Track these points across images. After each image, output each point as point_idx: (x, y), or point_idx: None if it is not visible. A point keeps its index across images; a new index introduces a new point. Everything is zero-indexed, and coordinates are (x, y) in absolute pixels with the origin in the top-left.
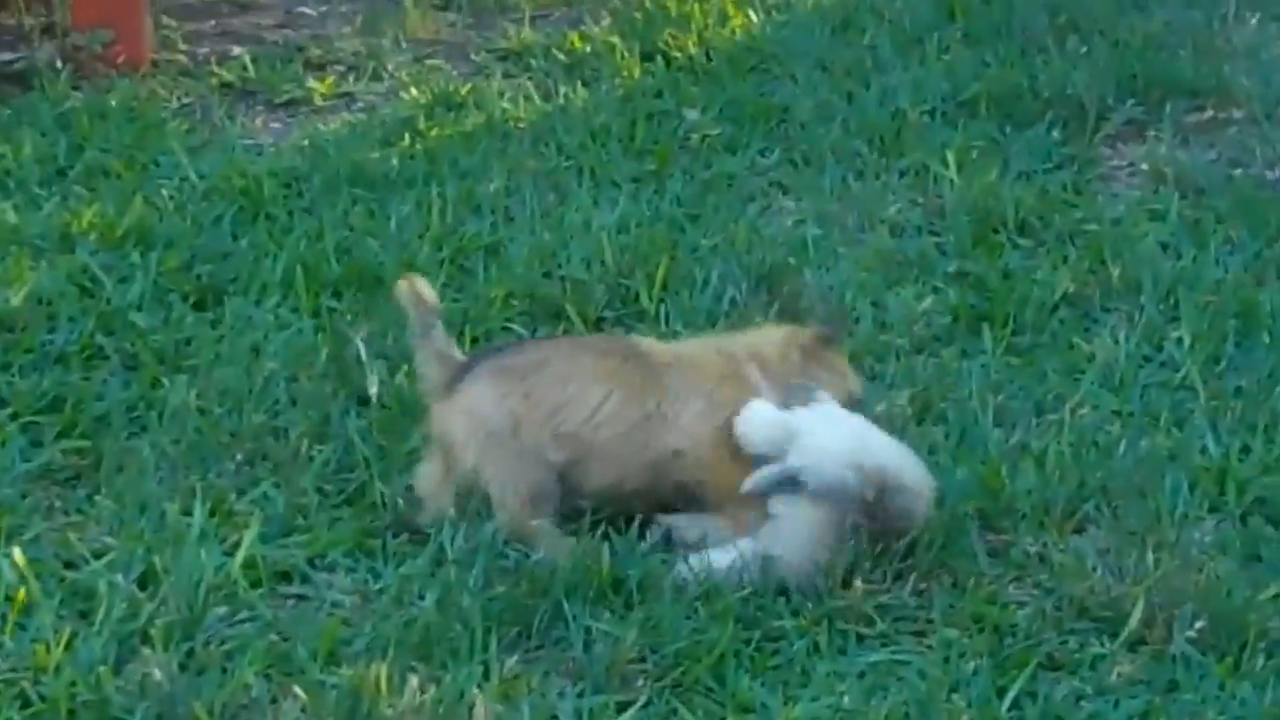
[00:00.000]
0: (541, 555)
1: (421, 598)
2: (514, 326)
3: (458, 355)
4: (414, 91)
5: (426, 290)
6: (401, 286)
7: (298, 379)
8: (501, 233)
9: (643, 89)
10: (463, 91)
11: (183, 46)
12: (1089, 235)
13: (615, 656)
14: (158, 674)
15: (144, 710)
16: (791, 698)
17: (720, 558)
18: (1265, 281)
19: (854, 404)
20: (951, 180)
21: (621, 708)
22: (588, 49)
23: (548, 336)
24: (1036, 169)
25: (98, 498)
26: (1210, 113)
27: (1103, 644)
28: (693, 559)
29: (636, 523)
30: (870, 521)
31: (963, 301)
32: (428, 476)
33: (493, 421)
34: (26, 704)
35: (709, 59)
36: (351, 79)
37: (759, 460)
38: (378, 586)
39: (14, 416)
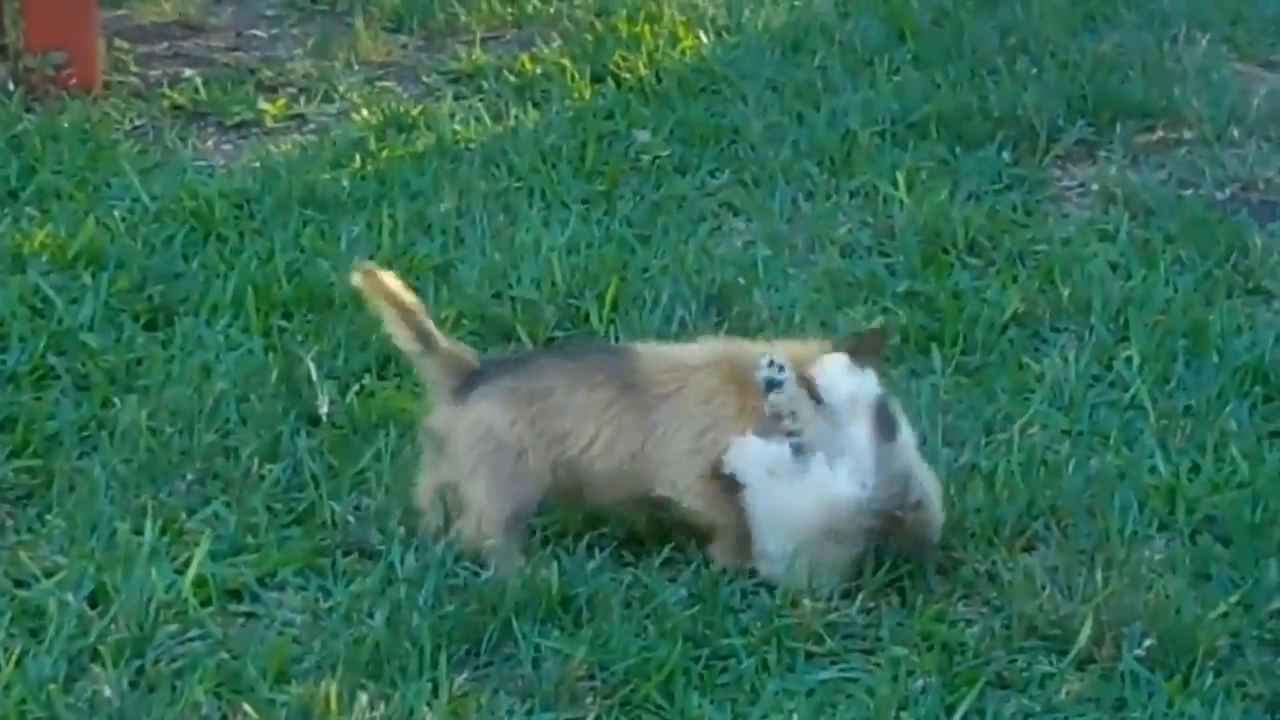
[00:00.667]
0: (492, 573)
1: (371, 616)
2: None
3: (469, 357)
4: (365, 113)
5: (392, 281)
6: (364, 280)
7: (248, 399)
8: (452, 253)
9: (593, 110)
10: (414, 113)
11: (135, 69)
12: (1039, 255)
13: (564, 674)
14: (108, 691)
15: None
16: (740, 715)
17: None
18: (1214, 301)
19: None
20: (901, 201)
21: None
22: (538, 70)
23: (557, 351)
24: (986, 189)
25: (48, 516)
26: (1160, 134)
27: (1052, 662)
28: None
29: (584, 542)
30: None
31: (912, 321)
32: (428, 489)
33: (501, 440)
34: None
35: (659, 80)
36: (303, 101)
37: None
38: (328, 605)
39: None
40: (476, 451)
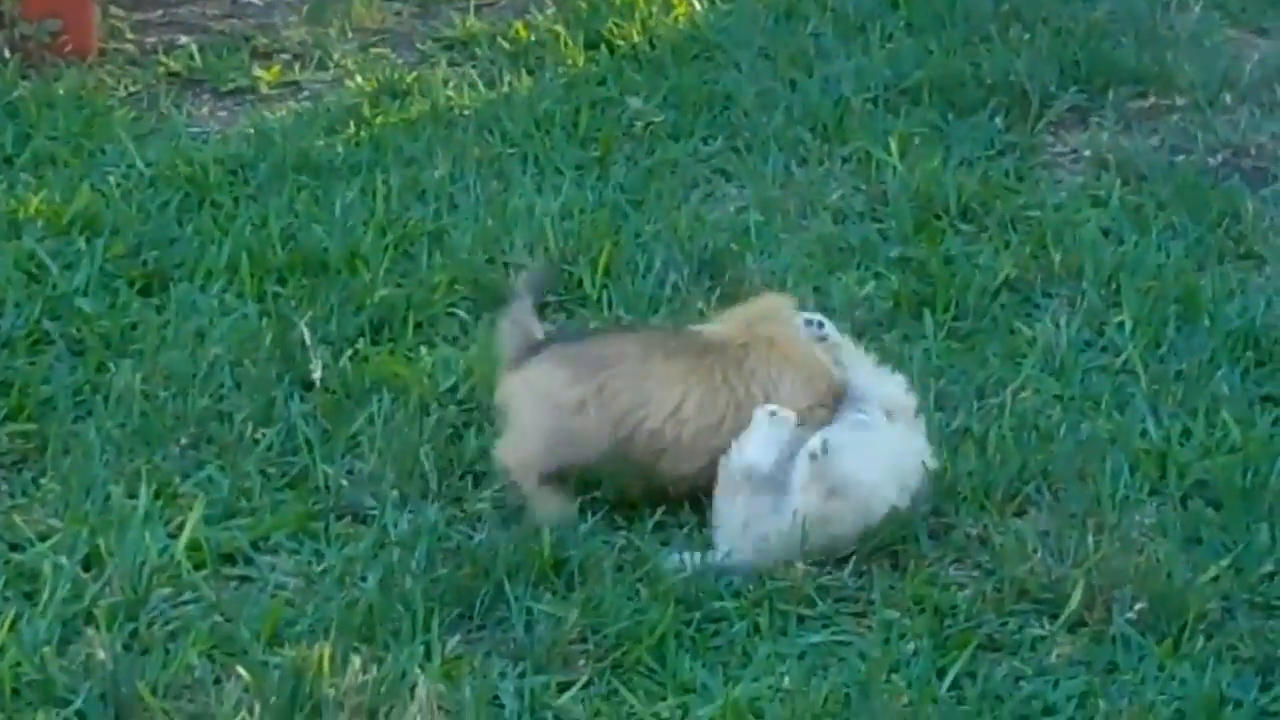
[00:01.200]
0: (538, 517)
1: (364, 579)
2: (458, 312)
3: (536, 330)
4: (359, 80)
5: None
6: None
7: (242, 363)
8: (446, 219)
9: (586, 77)
10: (408, 80)
11: (130, 36)
12: (1031, 221)
13: (556, 637)
14: (101, 654)
15: (88, 690)
16: (732, 678)
17: None
18: (1206, 266)
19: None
20: (894, 167)
21: (563, 688)
22: (532, 38)
23: (615, 327)
24: (979, 156)
25: (43, 481)
26: (1152, 100)
27: (1043, 625)
28: None
29: (576, 506)
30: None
31: (904, 287)
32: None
33: (558, 399)
34: None
35: (652, 47)
36: (297, 68)
37: None
38: (320, 568)
39: None
40: (532, 410)
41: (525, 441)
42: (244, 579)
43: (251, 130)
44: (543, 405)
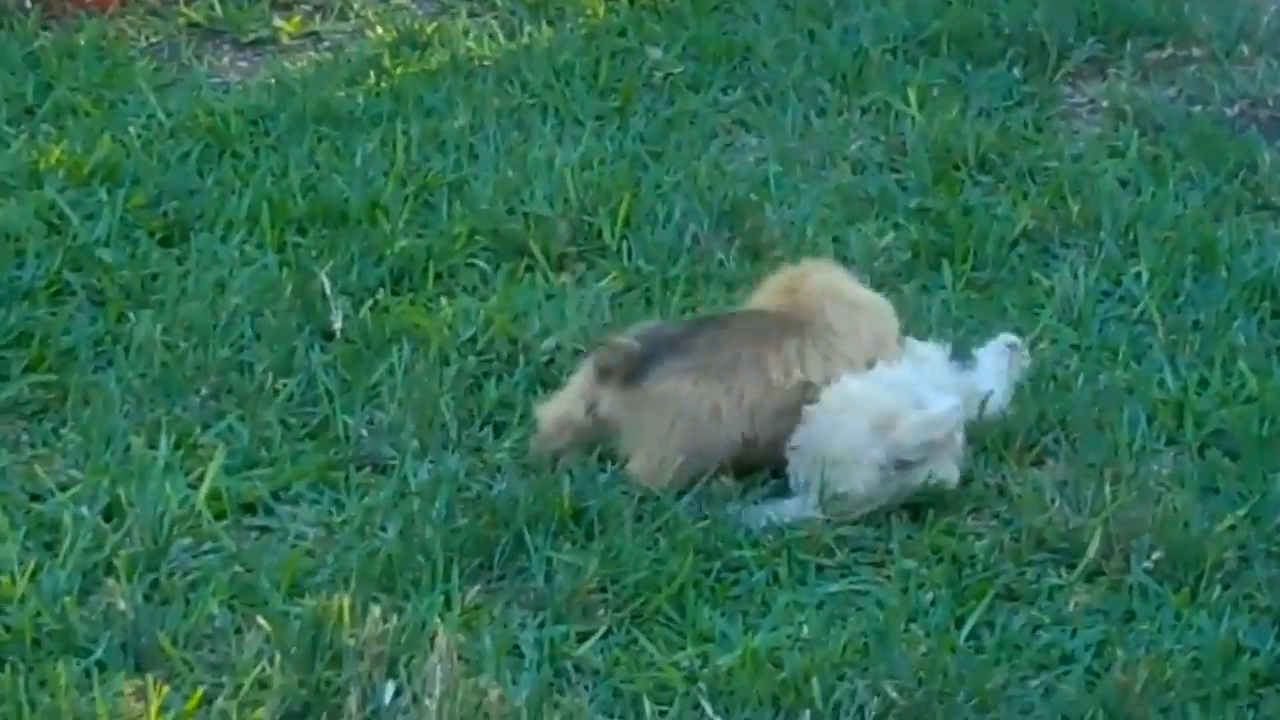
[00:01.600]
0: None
1: (384, 529)
2: (477, 262)
3: (628, 343)
4: (380, 30)
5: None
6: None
7: (263, 314)
8: (466, 169)
9: (606, 28)
10: (428, 30)
11: None
12: (1049, 172)
13: (576, 587)
14: (122, 604)
15: (108, 640)
16: (751, 627)
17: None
18: (1223, 217)
19: None
20: (913, 118)
21: (582, 637)
22: None
23: (708, 321)
24: (997, 106)
25: (64, 431)
26: (1170, 50)
27: (1060, 575)
28: None
29: (595, 454)
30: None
31: (923, 237)
32: (555, 415)
33: (692, 411)
34: None
35: None
36: (318, 18)
37: None
38: (341, 518)
39: None
40: (667, 429)
41: (663, 457)
42: (264, 529)
43: (272, 81)
44: (676, 420)
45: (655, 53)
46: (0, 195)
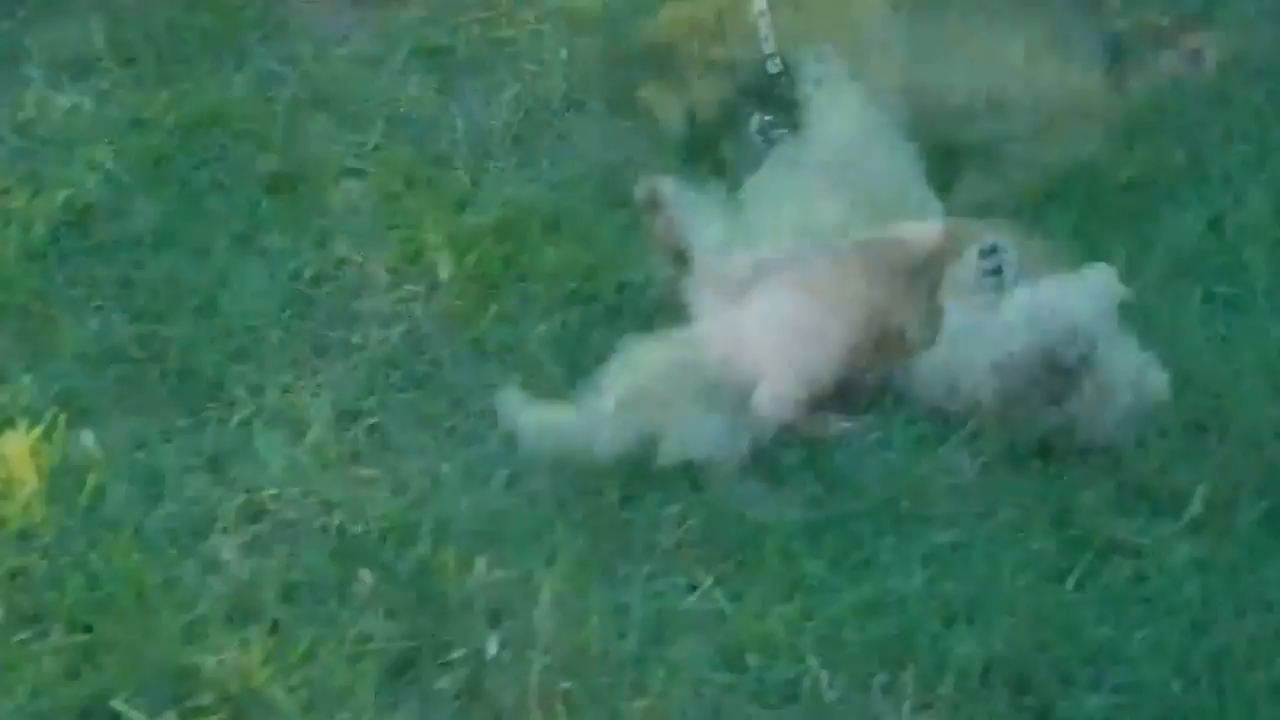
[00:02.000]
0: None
1: (490, 480)
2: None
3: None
4: None
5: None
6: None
7: (370, 264)
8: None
9: None
10: None
11: None
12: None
13: (680, 540)
14: (226, 556)
15: (211, 592)
16: (856, 579)
17: None
18: None
19: None
20: None
21: (688, 590)
22: None
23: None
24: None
25: (167, 380)
26: None
27: (1165, 526)
28: None
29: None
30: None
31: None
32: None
33: (795, 322)
34: (95, 585)
35: None
36: None
37: None
38: (446, 469)
39: (87, 300)
40: (769, 338)
41: (778, 375)
42: (368, 481)
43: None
44: (786, 336)
45: None
46: (108, 141)
